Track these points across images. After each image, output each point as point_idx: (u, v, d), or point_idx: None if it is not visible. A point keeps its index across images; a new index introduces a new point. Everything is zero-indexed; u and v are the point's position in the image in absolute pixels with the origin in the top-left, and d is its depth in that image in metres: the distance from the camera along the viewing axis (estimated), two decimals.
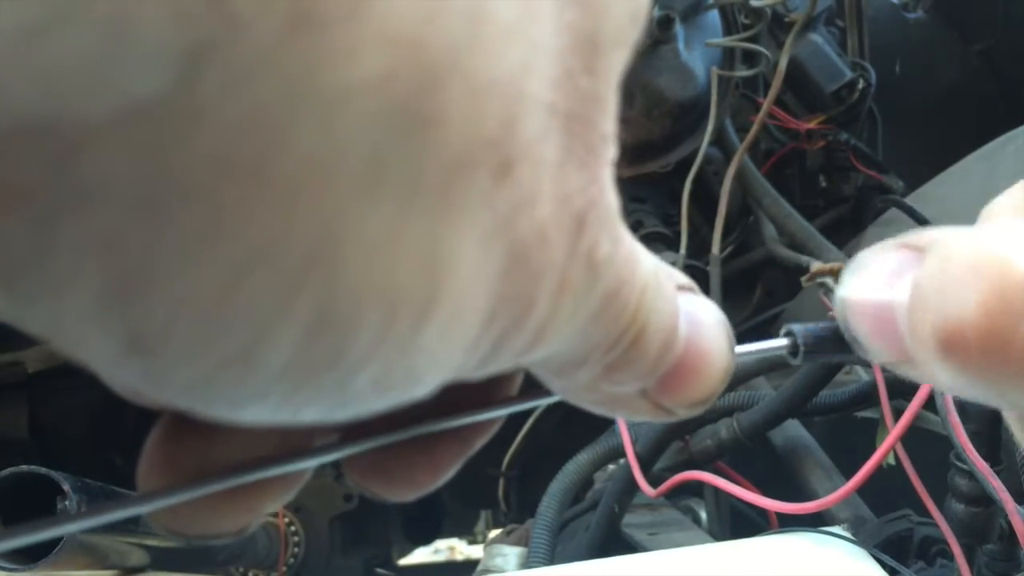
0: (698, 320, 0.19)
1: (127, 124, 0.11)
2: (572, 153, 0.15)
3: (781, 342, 0.23)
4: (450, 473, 0.21)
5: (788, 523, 0.67)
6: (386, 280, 0.13)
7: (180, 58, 0.10)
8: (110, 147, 0.11)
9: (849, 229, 1.23)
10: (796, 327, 0.23)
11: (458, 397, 0.20)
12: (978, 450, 0.54)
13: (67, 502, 0.70)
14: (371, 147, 0.12)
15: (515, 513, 1.25)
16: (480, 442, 0.21)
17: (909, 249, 0.20)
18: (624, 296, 0.17)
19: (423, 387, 0.16)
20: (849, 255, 0.24)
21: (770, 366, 0.80)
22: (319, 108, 0.11)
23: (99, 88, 0.10)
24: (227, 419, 0.14)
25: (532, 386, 0.21)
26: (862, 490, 0.62)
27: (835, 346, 0.23)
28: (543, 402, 0.21)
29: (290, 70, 0.11)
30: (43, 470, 0.68)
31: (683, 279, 0.20)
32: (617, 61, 0.16)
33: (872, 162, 1.24)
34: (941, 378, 0.18)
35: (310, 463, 0.19)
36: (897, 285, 0.19)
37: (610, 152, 0.17)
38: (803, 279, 0.25)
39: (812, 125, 1.23)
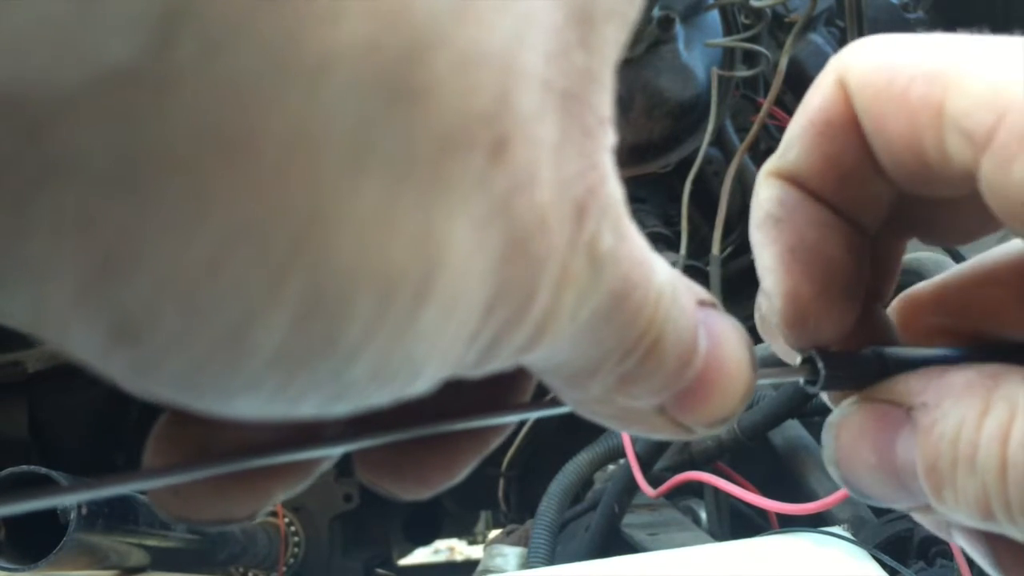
0: (719, 336, 0.19)
1: (101, 93, 0.10)
2: (569, 135, 0.15)
3: (800, 369, 0.22)
4: (464, 473, 0.21)
5: (788, 523, 0.67)
6: (379, 259, 0.12)
7: (154, 22, 0.10)
8: (84, 118, 0.10)
9: None
10: (816, 354, 0.22)
11: (471, 399, 0.19)
12: None
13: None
14: (358, 118, 0.11)
15: (515, 513, 1.25)
16: (494, 443, 0.21)
17: (891, 406, 0.21)
18: (636, 300, 0.17)
19: (423, 381, 0.15)
20: None
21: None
22: (301, 76, 0.11)
23: (70, 55, 0.10)
24: (221, 413, 0.14)
25: (544, 396, 0.20)
26: None
27: (857, 375, 0.22)
28: (554, 412, 0.20)
29: (270, 36, 0.11)
30: (43, 470, 0.68)
31: (705, 295, 0.19)
32: (612, 38, 0.16)
33: None
34: (969, 524, 0.20)
35: (318, 453, 0.18)
36: (895, 449, 0.21)
37: (608, 138, 0.16)
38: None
39: None
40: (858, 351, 0.23)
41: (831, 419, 0.23)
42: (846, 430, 0.22)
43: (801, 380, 0.22)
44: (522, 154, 0.14)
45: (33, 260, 0.11)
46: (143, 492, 0.17)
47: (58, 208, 0.11)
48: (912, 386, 0.21)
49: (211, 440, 0.17)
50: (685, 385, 0.18)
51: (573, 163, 0.15)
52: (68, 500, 0.16)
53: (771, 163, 0.23)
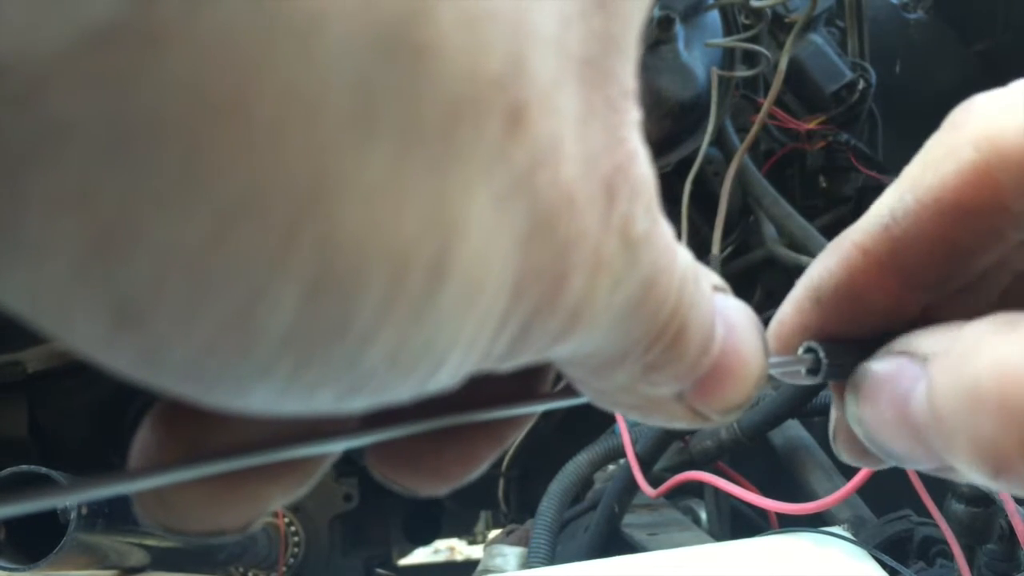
0: (733, 322, 0.19)
1: (85, 54, 0.10)
2: (592, 107, 0.14)
3: (802, 359, 0.22)
4: (483, 467, 0.20)
5: (788, 523, 0.67)
6: (390, 231, 0.12)
7: None
8: (70, 83, 0.10)
9: None
10: (817, 344, 0.22)
11: (489, 391, 0.19)
12: None
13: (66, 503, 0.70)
14: (358, 78, 0.11)
15: (515, 513, 1.25)
16: (514, 437, 0.20)
17: (907, 358, 0.20)
18: (664, 286, 0.16)
19: (448, 371, 0.14)
20: None
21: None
22: (293, 31, 0.10)
23: (51, 14, 0.09)
24: (234, 407, 0.13)
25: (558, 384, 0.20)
26: (862, 490, 0.62)
27: (858, 362, 0.22)
28: (574, 402, 0.20)
29: None
30: (43, 470, 0.68)
31: (717, 279, 0.19)
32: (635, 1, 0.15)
33: (872, 163, 1.24)
34: (991, 486, 0.18)
35: (324, 448, 0.17)
36: (911, 402, 0.19)
37: (634, 112, 0.15)
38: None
39: (812, 125, 1.23)
40: (863, 339, 0.22)
41: (853, 375, 0.22)
42: (867, 384, 0.21)
43: (803, 370, 0.22)
44: (542, 125, 0.13)
45: (27, 240, 0.10)
46: (124, 496, 0.16)
47: (51, 183, 0.10)
48: (930, 338, 0.20)
49: (204, 442, 0.17)
50: (704, 372, 0.18)
51: (598, 138, 0.14)
52: (43, 506, 0.15)
53: (865, 236, 0.22)
